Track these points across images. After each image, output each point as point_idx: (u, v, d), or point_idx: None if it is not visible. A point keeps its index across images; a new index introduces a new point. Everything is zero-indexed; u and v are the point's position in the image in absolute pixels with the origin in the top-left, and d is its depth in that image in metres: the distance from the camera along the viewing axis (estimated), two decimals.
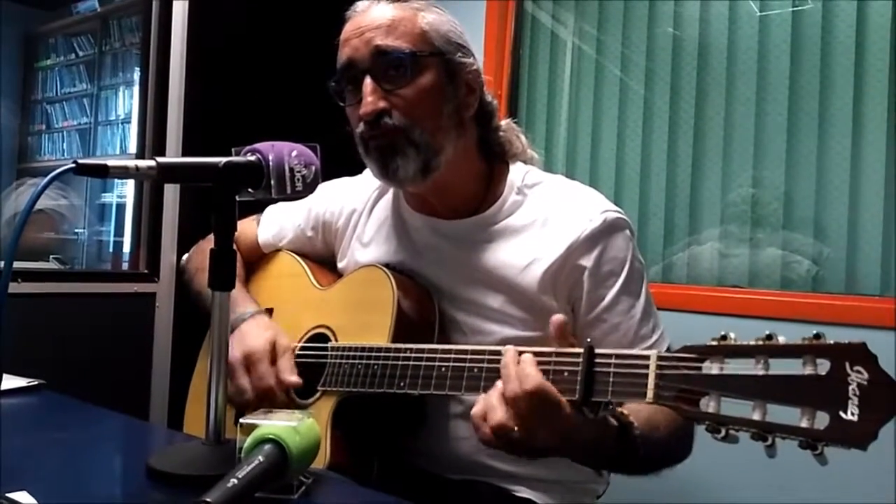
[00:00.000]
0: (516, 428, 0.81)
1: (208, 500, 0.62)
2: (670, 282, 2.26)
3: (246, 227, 1.35)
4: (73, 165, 0.73)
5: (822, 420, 0.67)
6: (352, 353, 1.04)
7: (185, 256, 1.42)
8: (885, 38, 1.94)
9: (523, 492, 1.09)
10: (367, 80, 1.04)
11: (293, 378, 1.08)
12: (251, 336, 1.10)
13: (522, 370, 0.83)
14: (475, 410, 0.86)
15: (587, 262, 1.06)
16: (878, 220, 1.93)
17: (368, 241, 1.22)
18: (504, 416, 0.82)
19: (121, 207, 3.24)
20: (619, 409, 0.90)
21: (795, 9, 2.09)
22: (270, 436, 0.73)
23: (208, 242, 1.37)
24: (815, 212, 2.03)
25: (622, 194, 2.38)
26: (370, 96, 1.03)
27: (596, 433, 0.87)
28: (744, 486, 1.85)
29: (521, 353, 0.86)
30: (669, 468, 1.07)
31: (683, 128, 2.27)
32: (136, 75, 3.06)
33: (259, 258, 1.35)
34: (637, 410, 0.92)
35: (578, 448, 0.88)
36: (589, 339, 0.83)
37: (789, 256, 2.07)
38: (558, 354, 0.84)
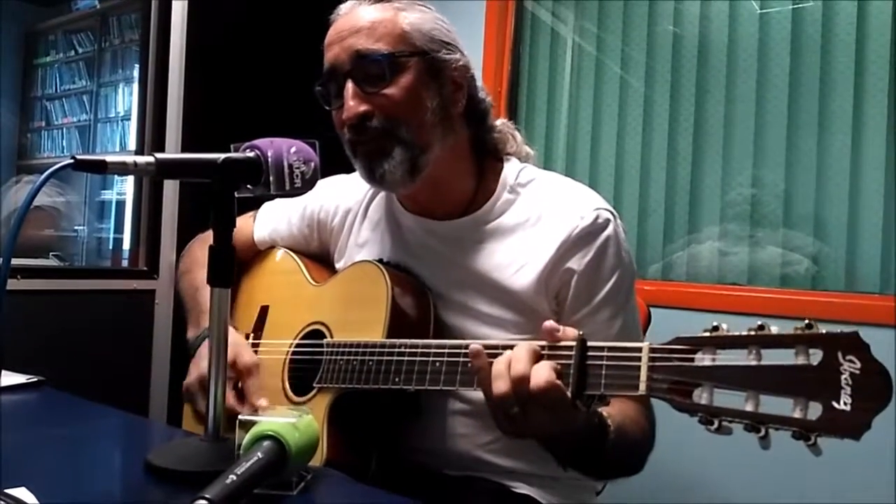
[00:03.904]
0: (516, 409, 0.81)
1: (207, 496, 0.62)
2: (670, 279, 2.26)
3: (242, 224, 1.34)
4: (72, 161, 0.73)
5: (815, 410, 0.66)
6: (346, 350, 1.04)
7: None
8: (885, 35, 1.94)
9: (522, 488, 1.09)
10: (349, 85, 1.04)
11: (260, 401, 1.06)
12: (200, 362, 1.09)
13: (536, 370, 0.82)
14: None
15: (577, 265, 1.05)
16: (877, 218, 1.93)
17: (364, 242, 1.22)
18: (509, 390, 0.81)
19: (120, 204, 3.24)
20: (601, 411, 0.90)
21: (796, 6, 2.09)
22: (269, 432, 0.73)
23: (199, 242, 1.38)
24: (815, 210, 2.04)
25: (622, 192, 2.38)
26: (352, 100, 1.03)
27: (584, 427, 0.87)
28: (743, 486, 1.86)
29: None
30: (614, 479, 1.09)
31: (683, 125, 2.27)
32: (136, 72, 3.06)
33: (255, 255, 1.35)
34: (612, 415, 0.92)
35: (564, 438, 0.87)
36: (581, 332, 0.83)
37: (789, 254, 2.08)
38: (550, 347, 0.84)
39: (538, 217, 1.09)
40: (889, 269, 1.91)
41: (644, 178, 2.34)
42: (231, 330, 1.10)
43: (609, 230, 1.07)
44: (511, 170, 1.15)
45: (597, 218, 1.06)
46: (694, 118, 2.25)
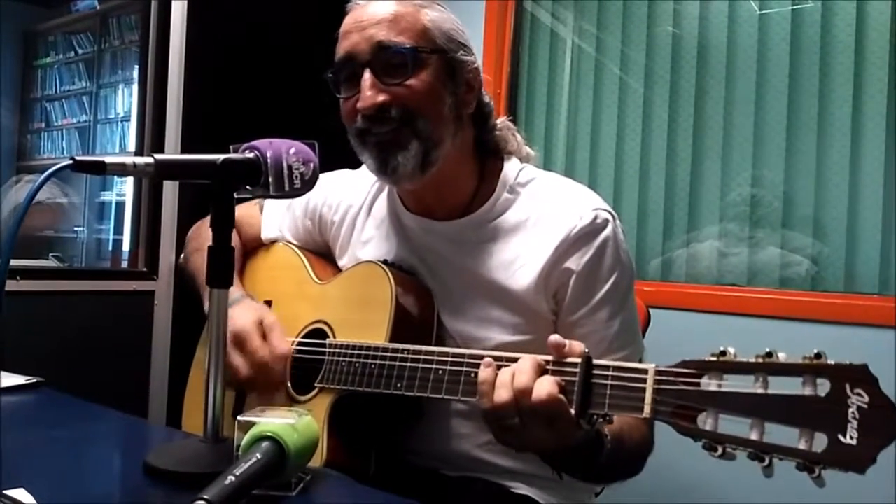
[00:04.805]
0: (517, 420, 0.81)
1: (206, 497, 0.62)
2: (669, 280, 2.26)
3: (247, 212, 1.34)
4: (71, 162, 0.73)
5: (820, 442, 0.66)
6: (349, 352, 1.04)
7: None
8: (884, 36, 1.94)
9: (521, 488, 1.09)
10: (367, 75, 1.04)
11: (285, 346, 1.09)
12: (238, 318, 1.09)
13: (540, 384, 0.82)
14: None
15: (575, 265, 1.05)
16: (877, 219, 1.93)
17: (368, 240, 1.22)
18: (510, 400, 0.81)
19: (120, 206, 3.24)
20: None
21: (795, 7, 2.09)
22: (268, 433, 0.73)
23: (205, 225, 1.37)
24: (815, 210, 2.04)
25: (622, 192, 2.38)
26: (369, 90, 1.03)
27: (580, 440, 0.86)
28: (742, 487, 1.85)
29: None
30: (610, 483, 1.08)
31: (683, 126, 2.27)
32: (136, 73, 3.06)
33: (259, 245, 1.35)
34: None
35: (561, 452, 0.87)
36: (587, 350, 0.82)
37: (788, 255, 2.08)
38: (555, 363, 0.83)
39: (538, 217, 1.09)
40: (888, 270, 1.91)
41: (643, 178, 2.34)
42: (261, 305, 1.14)
43: (608, 230, 1.07)
44: (511, 169, 1.15)
45: (595, 218, 1.07)
46: (693, 119, 2.25)
